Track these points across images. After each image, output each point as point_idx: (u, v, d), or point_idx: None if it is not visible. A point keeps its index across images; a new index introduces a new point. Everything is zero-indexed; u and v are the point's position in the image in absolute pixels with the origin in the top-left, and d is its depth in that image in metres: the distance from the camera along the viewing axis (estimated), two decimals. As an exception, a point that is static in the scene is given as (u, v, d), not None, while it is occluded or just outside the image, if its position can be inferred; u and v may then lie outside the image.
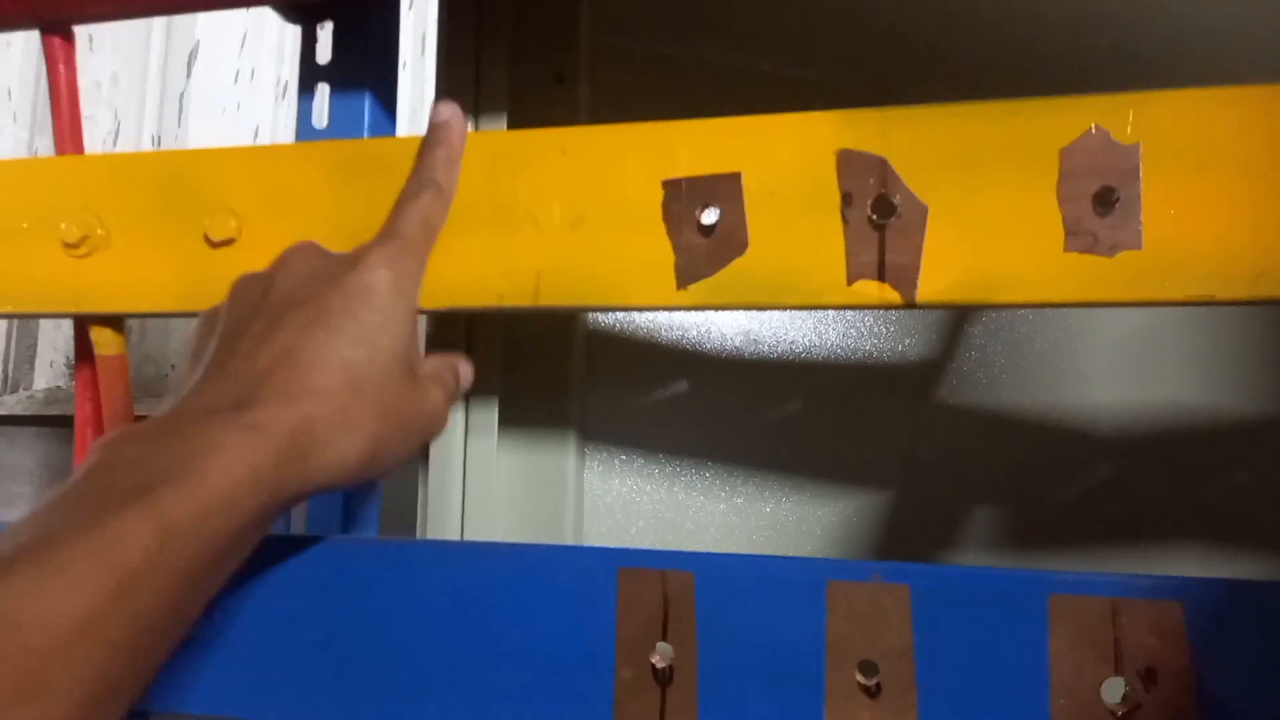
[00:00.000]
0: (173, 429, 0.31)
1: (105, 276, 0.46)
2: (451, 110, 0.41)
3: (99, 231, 0.46)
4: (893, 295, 0.36)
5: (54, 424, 1.63)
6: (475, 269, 0.41)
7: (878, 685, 0.35)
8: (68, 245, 0.46)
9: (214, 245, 0.44)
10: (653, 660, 0.37)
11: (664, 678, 0.37)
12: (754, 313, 0.59)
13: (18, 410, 1.64)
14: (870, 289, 0.37)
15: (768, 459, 0.57)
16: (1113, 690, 0.33)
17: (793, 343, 0.58)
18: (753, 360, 0.58)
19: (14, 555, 0.26)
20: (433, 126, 0.41)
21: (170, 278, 0.45)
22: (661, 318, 0.58)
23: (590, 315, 0.58)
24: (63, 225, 0.46)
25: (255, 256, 0.44)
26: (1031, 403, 0.58)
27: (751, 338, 0.58)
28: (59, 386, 1.67)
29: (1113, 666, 0.33)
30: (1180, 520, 0.57)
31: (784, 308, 0.38)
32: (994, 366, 0.59)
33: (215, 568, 0.30)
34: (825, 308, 0.38)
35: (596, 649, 0.37)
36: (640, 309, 0.40)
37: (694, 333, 0.58)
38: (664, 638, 0.37)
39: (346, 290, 0.35)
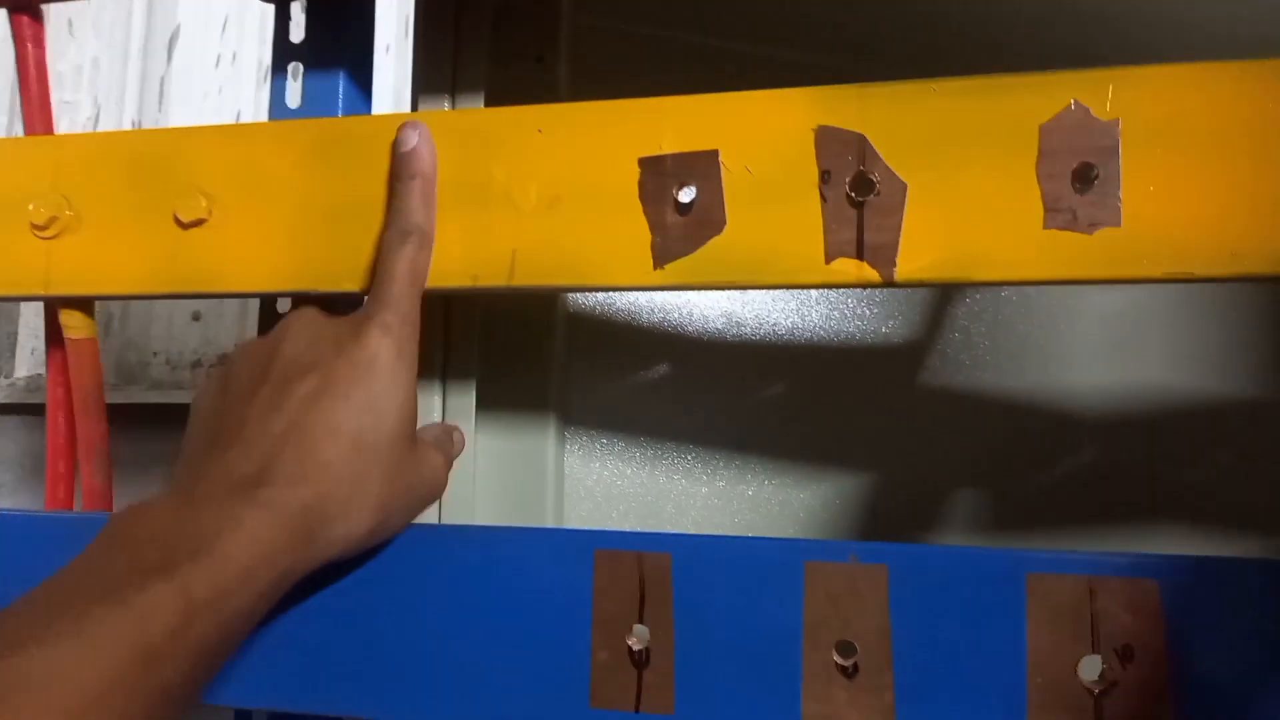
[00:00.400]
0: (193, 503, 0.32)
1: (75, 258, 0.45)
2: (418, 134, 0.40)
3: (68, 213, 0.45)
4: (871, 274, 0.36)
5: (36, 412, 1.61)
6: (450, 249, 0.41)
7: (855, 665, 0.34)
8: (36, 227, 0.45)
9: (184, 226, 0.43)
10: (629, 642, 0.36)
11: (640, 660, 0.36)
12: (736, 295, 0.58)
13: (0, 398, 1.63)
14: (848, 267, 0.36)
15: (749, 442, 0.57)
16: (1089, 668, 0.33)
17: (775, 325, 0.58)
18: (735, 342, 0.58)
19: (49, 621, 0.28)
20: (400, 157, 0.40)
21: (140, 259, 0.44)
22: (642, 299, 0.58)
23: (570, 297, 0.57)
24: (31, 206, 0.45)
25: (226, 237, 0.43)
26: (1015, 385, 0.58)
27: (733, 320, 0.58)
28: (40, 374, 1.66)
29: (1089, 644, 0.33)
30: (1164, 502, 0.57)
31: (762, 287, 0.38)
32: (977, 349, 0.58)
33: (229, 642, 0.31)
34: (803, 286, 0.37)
35: (572, 631, 0.37)
36: (617, 289, 0.40)
37: (675, 315, 0.58)
38: (640, 619, 0.37)
39: (353, 359, 0.36)
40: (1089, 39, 0.56)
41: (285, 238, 0.42)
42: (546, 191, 0.40)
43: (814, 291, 0.59)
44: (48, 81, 0.49)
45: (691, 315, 0.58)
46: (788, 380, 0.58)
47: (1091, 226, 0.34)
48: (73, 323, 0.46)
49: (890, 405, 0.58)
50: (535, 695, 0.37)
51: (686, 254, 0.38)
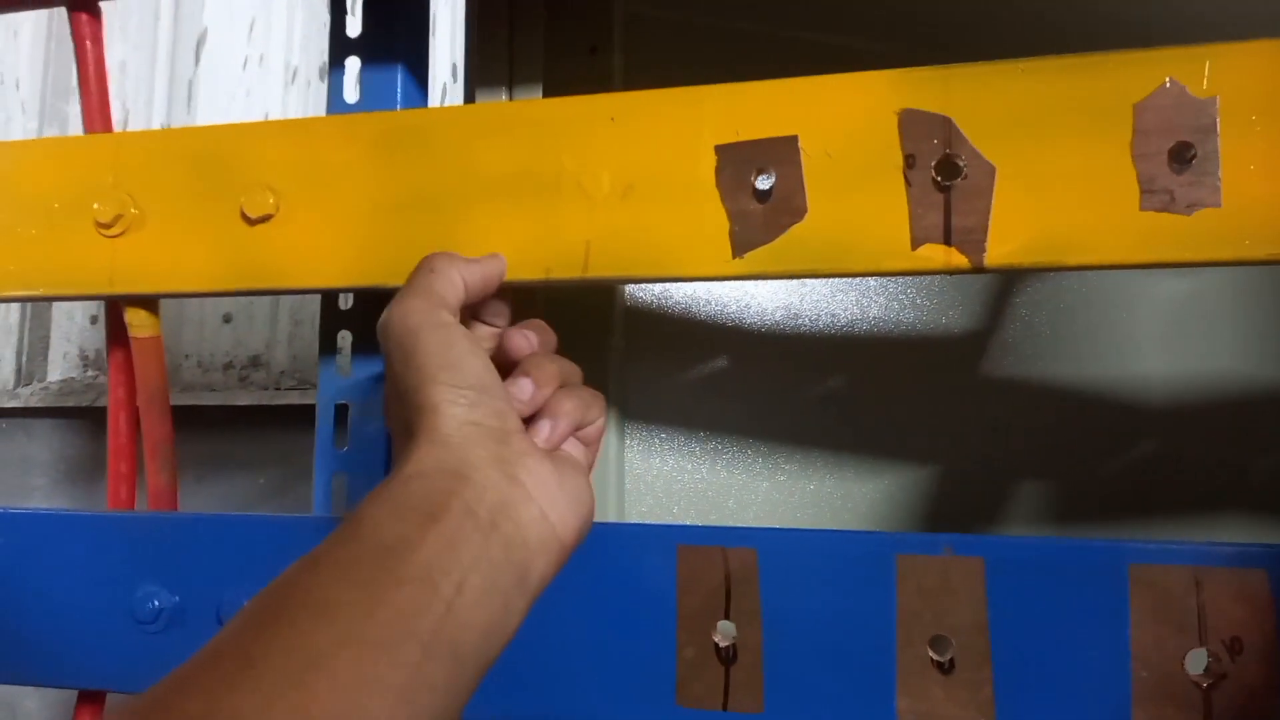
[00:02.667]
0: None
1: (140, 257, 0.45)
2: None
3: (132, 211, 0.45)
4: (959, 259, 0.35)
5: (70, 415, 1.61)
6: (520, 242, 0.40)
7: (951, 661, 0.34)
8: (101, 225, 0.45)
9: (251, 222, 0.43)
10: (715, 639, 0.36)
11: (727, 656, 0.36)
12: (795, 287, 0.57)
13: (33, 402, 1.64)
14: (936, 253, 0.35)
15: (810, 435, 0.56)
16: (1196, 661, 0.32)
17: (834, 316, 0.57)
18: (794, 335, 0.57)
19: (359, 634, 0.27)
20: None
21: (206, 256, 0.44)
22: (700, 292, 0.57)
23: (628, 291, 0.57)
24: (95, 205, 0.45)
25: (294, 232, 0.43)
26: (1077, 374, 0.57)
27: (792, 312, 0.57)
28: (73, 378, 1.67)
29: (1196, 637, 0.32)
30: (1232, 492, 0.56)
31: (845, 274, 0.37)
32: (1039, 338, 0.57)
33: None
34: (888, 274, 0.36)
35: (657, 628, 0.36)
36: (694, 279, 0.39)
37: (733, 308, 0.57)
38: (726, 615, 0.36)
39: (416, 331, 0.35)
40: (1181, 17, 0.54)
41: (351, 232, 0.42)
42: (619, 181, 0.39)
43: (873, 282, 0.58)
44: (106, 79, 0.49)
45: (749, 308, 0.57)
46: (848, 372, 0.57)
47: (1190, 208, 0.33)
48: (138, 321, 0.46)
49: (951, 396, 0.57)
50: (620, 693, 0.36)
51: (766, 242, 0.37)
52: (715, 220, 0.38)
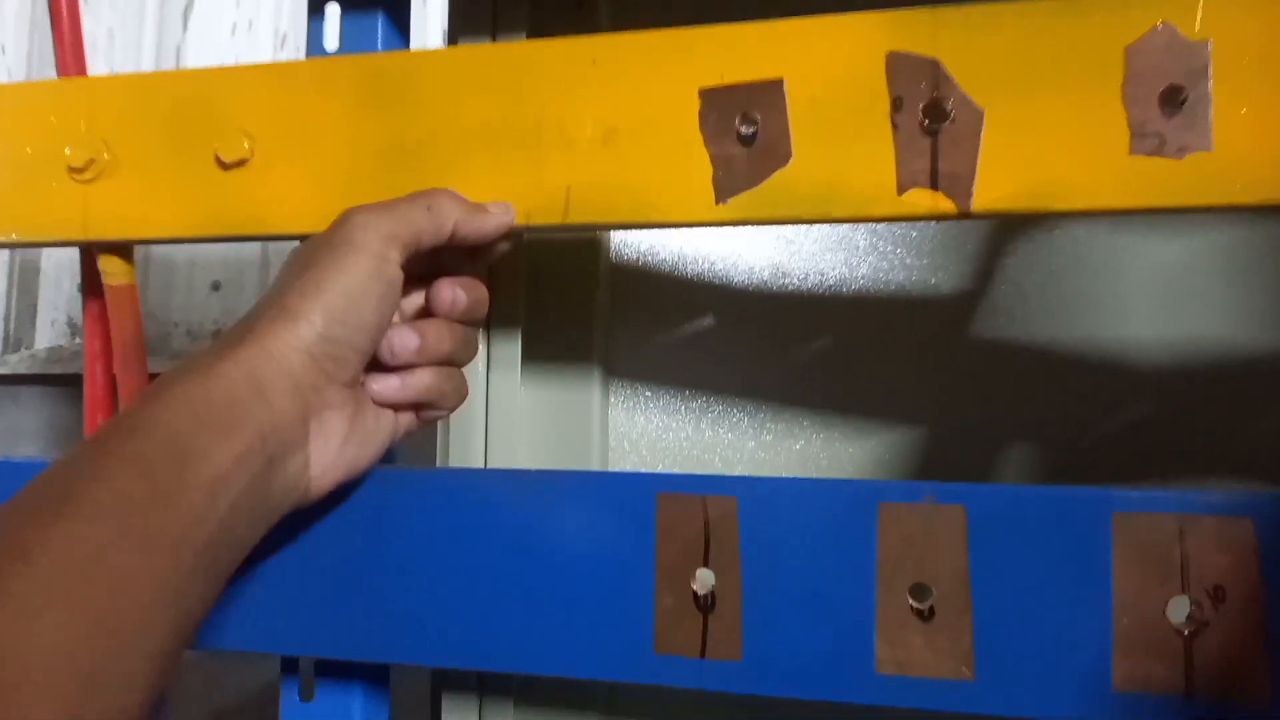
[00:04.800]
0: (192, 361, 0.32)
1: (113, 202, 0.44)
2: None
3: (105, 156, 0.44)
4: (946, 204, 0.35)
5: (57, 383, 1.61)
6: (500, 187, 0.39)
7: (930, 609, 0.33)
8: (74, 170, 0.44)
9: (226, 167, 0.42)
10: (694, 587, 0.35)
11: (706, 605, 0.35)
12: (783, 245, 0.57)
13: (20, 369, 1.63)
14: (922, 198, 0.35)
15: (797, 395, 0.56)
16: (1178, 609, 0.31)
17: (823, 275, 0.56)
18: (782, 294, 0.57)
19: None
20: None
21: (181, 202, 0.43)
22: (688, 250, 0.56)
23: (614, 247, 0.56)
24: (68, 150, 0.44)
25: (269, 178, 0.42)
26: (1068, 337, 0.57)
27: (781, 270, 0.56)
28: (61, 345, 1.65)
29: (1179, 585, 0.31)
30: (1220, 458, 0.55)
31: (830, 220, 0.36)
32: (1029, 300, 0.57)
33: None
34: (873, 219, 0.36)
35: (635, 576, 0.36)
36: (677, 225, 0.38)
37: (721, 265, 0.57)
38: (705, 564, 0.36)
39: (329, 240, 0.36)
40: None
41: (329, 178, 0.41)
42: (602, 125, 0.38)
43: (862, 241, 0.57)
44: (80, 22, 0.48)
45: (737, 266, 0.57)
46: (836, 332, 0.57)
47: (1180, 151, 0.33)
48: (111, 269, 0.45)
49: (940, 358, 0.57)
50: (599, 642, 0.36)
51: (750, 187, 0.37)
52: (699, 166, 0.37)
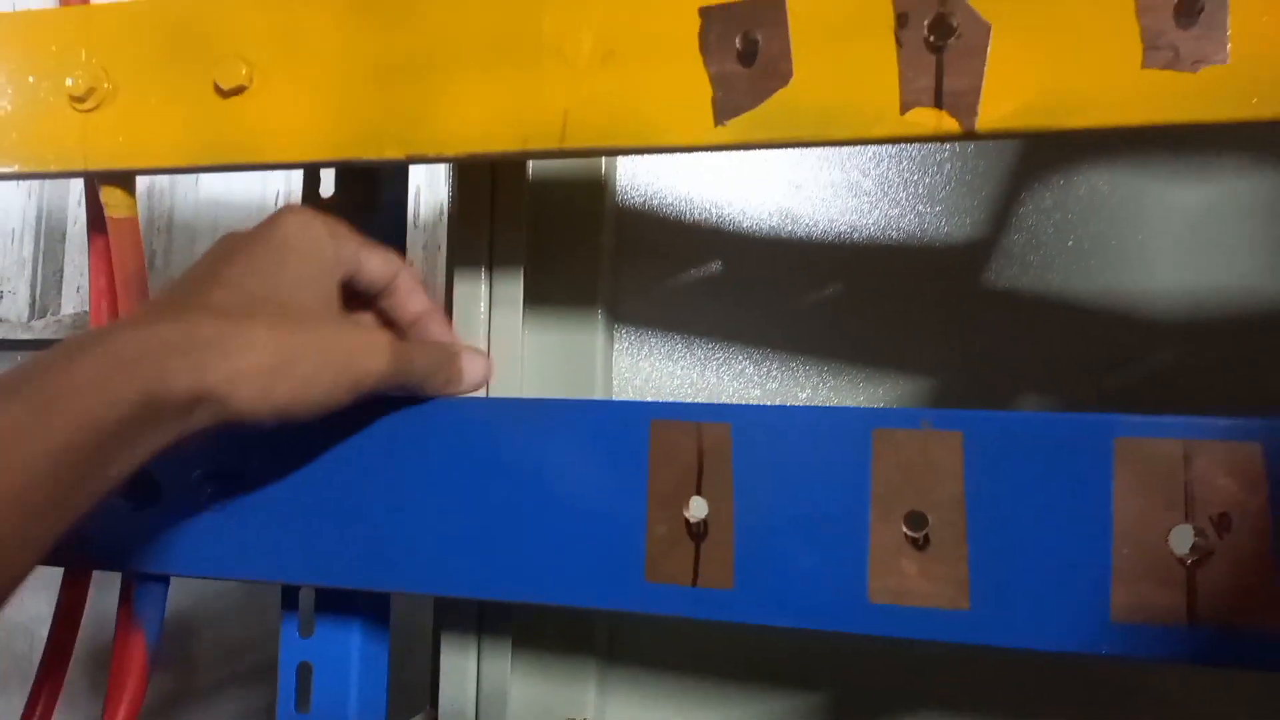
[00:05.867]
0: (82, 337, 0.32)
1: (113, 131, 0.44)
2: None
3: (105, 85, 0.44)
4: (950, 123, 0.34)
5: (83, 347, 1.63)
6: (496, 110, 0.39)
7: (925, 537, 0.33)
8: (74, 99, 0.44)
9: (224, 94, 0.42)
10: (686, 515, 0.35)
11: (698, 532, 0.35)
12: (792, 190, 0.56)
13: (47, 334, 1.65)
14: (926, 118, 0.34)
15: (804, 343, 0.55)
16: (1181, 538, 0.30)
17: (832, 221, 0.55)
18: (790, 240, 0.56)
19: None
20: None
21: (180, 130, 0.43)
22: (695, 193, 0.56)
23: (619, 190, 0.55)
24: (69, 81, 0.44)
25: (267, 105, 0.42)
26: (1085, 286, 0.55)
27: (790, 216, 0.55)
28: (86, 311, 1.67)
29: (1182, 513, 0.30)
30: (1241, 405, 0.54)
31: (830, 142, 0.35)
32: (1045, 248, 0.55)
33: (107, 446, 0.30)
34: (876, 141, 0.35)
35: (628, 504, 0.36)
36: (675, 149, 0.37)
37: (729, 210, 0.56)
38: (699, 492, 0.35)
39: (254, 233, 0.36)
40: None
41: (329, 103, 0.41)
42: (600, 45, 0.37)
43: (872, 185, 0.56)
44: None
45: (745, 211, 0.56)
46: (845, 280, 0.56)
47: (1195, 64, 0.31)
48: (113, 200, 0.45)
49: (952, 307, 0.56)
50: (591, 569, 0.36)
51: (750, 108, 0.36)
52: (698, 87, 0.36)
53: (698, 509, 0.35)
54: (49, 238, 1.70)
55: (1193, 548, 0.30)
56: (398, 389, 0.37)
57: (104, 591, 0.48)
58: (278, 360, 0.33)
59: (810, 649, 0.52)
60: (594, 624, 0.52)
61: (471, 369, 0.39)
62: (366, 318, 0.40)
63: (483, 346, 0.49)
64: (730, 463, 0.35)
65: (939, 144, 0.55)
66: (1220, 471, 0.30)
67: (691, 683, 0.53)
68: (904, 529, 0.33)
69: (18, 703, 0.48)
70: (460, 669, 0.49)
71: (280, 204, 1.47)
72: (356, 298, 0.39)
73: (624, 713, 0.53)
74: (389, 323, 0.40)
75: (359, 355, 0.35)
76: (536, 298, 0.52)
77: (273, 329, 0.33)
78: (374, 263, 0.38)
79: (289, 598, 0.47)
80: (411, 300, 0.40)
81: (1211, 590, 0.30)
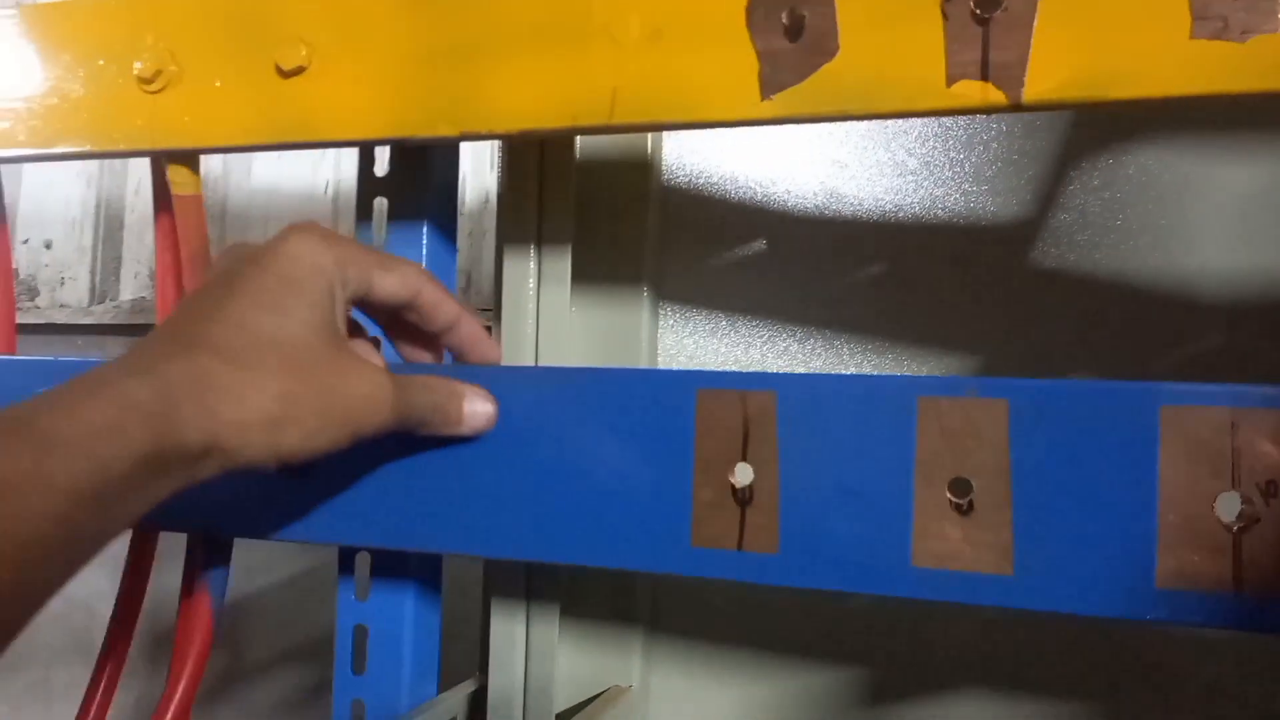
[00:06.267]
0: (73, 381, 0.30)
1: (179, 112, 0.45)
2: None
3: (171, 67, 0.45)
4: (997, 96, 0.34)
5: (141, 332, 1.67)
6: (546, 89, 0.40)
7: (970, 503, 0.33)
8: (142, 81, 0.45)
9: (285, 75, 0.43)
10: (731, 480, 0.36)
11: (744, 498, 0.36)
12: (837, 169, 0.56)
13: (106, 319, 1.70)
14: (972, 90, 0.34)
15: (848, 322, 0.55)
16: (1228, 505, 0.30)
17: (877, 200, 0.56)
18: (835, 219, 0.56)
19: None
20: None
21: (243, 110, 0.44)
22: (740, 172, 0.56)
23: (665, 169, 0.56)
24: (137, 64, 0.45)
25: (326, 85, 0.43)
26: (1133, 266, 0.55)
27: (834, 194, 0.56)
28: (144, 297, 1.72)
29: (1229, 481, 0.31)
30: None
31: (877, 115, 0.36)
32: (1093, 228, 0.55)
33: (112, 494, 0.29)
34: (922, 114, 0.35)
35: (674, 471, 0.36)
36: (722, 124, 0.38)
37: (773, 189, 0.56)
38: (744, 458, 0.36)
39: (259, 259, 0.35)
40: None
41: (384, 83, 0.42)
42: (648, 24, 0.38)
43: (916, 162, 0.56)
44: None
45: (790, 190, 0.56)
46: (889, 259, 0.56)
47: (1244, 34, 0.31)
48: (179, 179, 0.47)
49: (998, 286, 0.56)
50: (637, 534, 0.37)
51: (796, 83, 0.36)
52: (745, 62, 0.37)
53: (743, 475, 0.36)
54: (108, 225, 1.75)
55: (1239, 515, 0.30)
56: (399, 431, 0.37)
57: (160, 572, 0.50)
58: (285, 412, 0.32)
59: (850, 623, 0.53)
60: (638, 595, 0.53)
61: (474, 412, 0.38)
62: (369, 351, 0.39)
63: (531, 324, 0.51)
64: (775, 429, 0.35)
65: (984, 124, 0.55)
66: (1267, 439, 0.30)
67: (732, 654, 0.53)
68: (948, 495, 0.33)
69: (79, 673, 0.50)
70: (509, 637, 0.50)
71: (330, 194, 1.50)
72: (375, 310, 0.39)
73: (667, 682, 0.54)
74: (418, 335, 0.41)
75: (361, 408, 0.35)
76: (584, 276, 0.53)
77: (280, 377, 0.33)
78: (389, 283, 0.37)
79: (345, 562, 0.48)
80: (439, 312, 0.39)
81: (1258, 557, 0.30)
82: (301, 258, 0.34)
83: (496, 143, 0.67)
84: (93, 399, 0.29)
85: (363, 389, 0.35)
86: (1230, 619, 0.30)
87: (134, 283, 1.75)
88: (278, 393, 0.32)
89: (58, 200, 1.78)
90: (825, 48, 0.36)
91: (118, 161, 1.70)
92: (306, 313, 0.34)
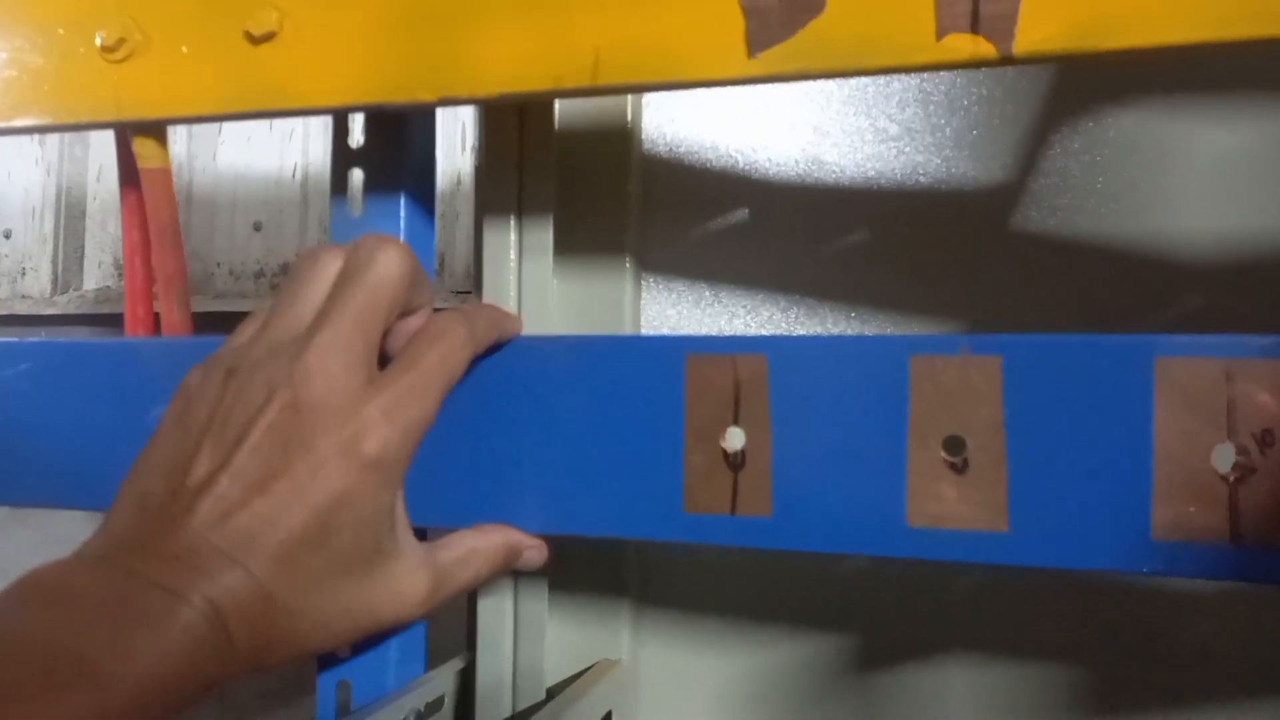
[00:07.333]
0: (110, 585, 0.28)
1: (145, 82, 0.44)
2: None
3: (137, 35, 0.44)
4: (987, 48, 0.33)
5: (106, 323, 1.64)
6: (527, 51, 0.39)
7: (964, 461, 0.33)
8: (105, 49, 0.44)
9: (255, 41, 0.42)
10: (723, 445, 0.35)
11: (736, 462, 0.35)
12: (817, 137, 0.55)
13: (70, 309, 1.67)
14: (962, 43, 0.34)
15: (831, 290, 0.55)
16: (1223, 456, 0.30)
17: (859, 167, 0.55)
18: (816, 186, 0.56)
19: None
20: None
21: (211, 79, 0.43)
22: (720, 141, 0.55)
23: (646, 138, 0.55)
24: (100, 33, 0.44)
25: (298, 51, 0.42)
26: (1115, 230, 0.55)
27: (816, 162, 0.55)
28: (108, 286, 1.69)
29: (1224, 431, 0.30)
30: (1271, 348, 0.53)
31: (866, 72, 0.35)
32: (1074, 191, 0.55)
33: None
34: (911, 69, 0.35)
35: (665, 437, 0.36)
36: (708, 84, 0.37)
37: (754, 157, 0.56)
38: (735, 422, 0.35)
39: (305, 494, 0.31)
40: None
41: (359, 48, 0.41)
42: (631, -19, 0.37)
43: (899, 130, 0.56)
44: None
45: (771, 158, 0.56)
46: (872, 226, 0.56)
47: (1238, -19, 0.31)
48: (146, 151, 0.46)
49: (980, 252, 0.55)
50: (628, 501, 0.36)
51: (783, 40, 0.36)
52: (731, 20, 0.36)
53: (735, 440, 0.35)
54: (70, 213, 1.72)
55: (1234, 465, 0.30)
56: None
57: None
58: (326, 636, 0.32)
59: (844, 593, 0.53)
60: (626, 568, 0.53)
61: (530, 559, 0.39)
62: (413, 545, 0.36)
63: (513, 296, 0.50)
64: (767, 393, 0.35)
65: (965, 88, 0.55)
66: (1263, 389, 0.30)
67: (724, 625, 0.53)
68: (942, 454, 0.33)
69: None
70: (497, 612, 0.50)
71: (297, 178, 1.48)
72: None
73: (657, 655, 0.54)
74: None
75: (393, 607, 0.34)
76: (565, 247, 0.52)
77: (323, 601, 0.31)
78: None
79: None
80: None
81: (1254, 507, 0.30)
82: (354, 495, 0.32)
83: (469, 123, 0.66)
84: (141, 631, 0.27)
85: (395, 599, 0.34)
86: (1226, 570, 0.30)
87: (98, 272, 1.72)
88: (319, 620, 0.31)
89: (17, 189, 1.74)
90: (813, 3, 0.35)
91: (78, 148, 1.67)
92: (369, 527, 0.33)
